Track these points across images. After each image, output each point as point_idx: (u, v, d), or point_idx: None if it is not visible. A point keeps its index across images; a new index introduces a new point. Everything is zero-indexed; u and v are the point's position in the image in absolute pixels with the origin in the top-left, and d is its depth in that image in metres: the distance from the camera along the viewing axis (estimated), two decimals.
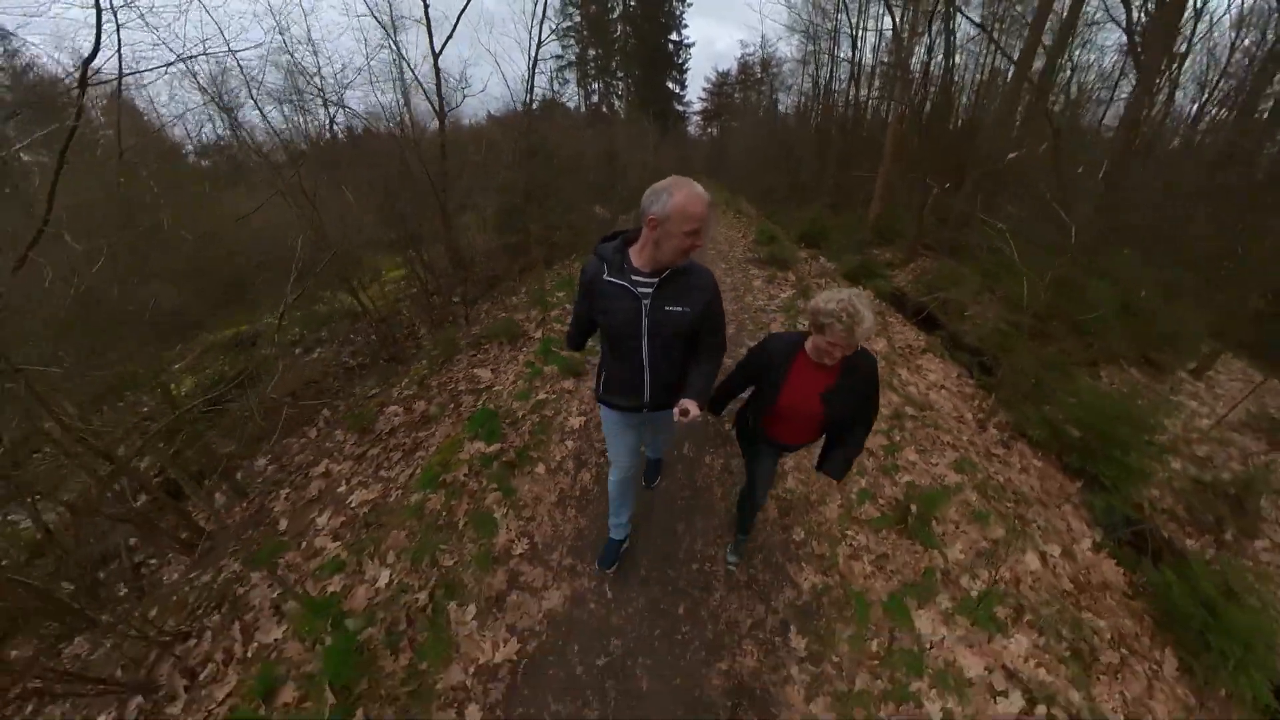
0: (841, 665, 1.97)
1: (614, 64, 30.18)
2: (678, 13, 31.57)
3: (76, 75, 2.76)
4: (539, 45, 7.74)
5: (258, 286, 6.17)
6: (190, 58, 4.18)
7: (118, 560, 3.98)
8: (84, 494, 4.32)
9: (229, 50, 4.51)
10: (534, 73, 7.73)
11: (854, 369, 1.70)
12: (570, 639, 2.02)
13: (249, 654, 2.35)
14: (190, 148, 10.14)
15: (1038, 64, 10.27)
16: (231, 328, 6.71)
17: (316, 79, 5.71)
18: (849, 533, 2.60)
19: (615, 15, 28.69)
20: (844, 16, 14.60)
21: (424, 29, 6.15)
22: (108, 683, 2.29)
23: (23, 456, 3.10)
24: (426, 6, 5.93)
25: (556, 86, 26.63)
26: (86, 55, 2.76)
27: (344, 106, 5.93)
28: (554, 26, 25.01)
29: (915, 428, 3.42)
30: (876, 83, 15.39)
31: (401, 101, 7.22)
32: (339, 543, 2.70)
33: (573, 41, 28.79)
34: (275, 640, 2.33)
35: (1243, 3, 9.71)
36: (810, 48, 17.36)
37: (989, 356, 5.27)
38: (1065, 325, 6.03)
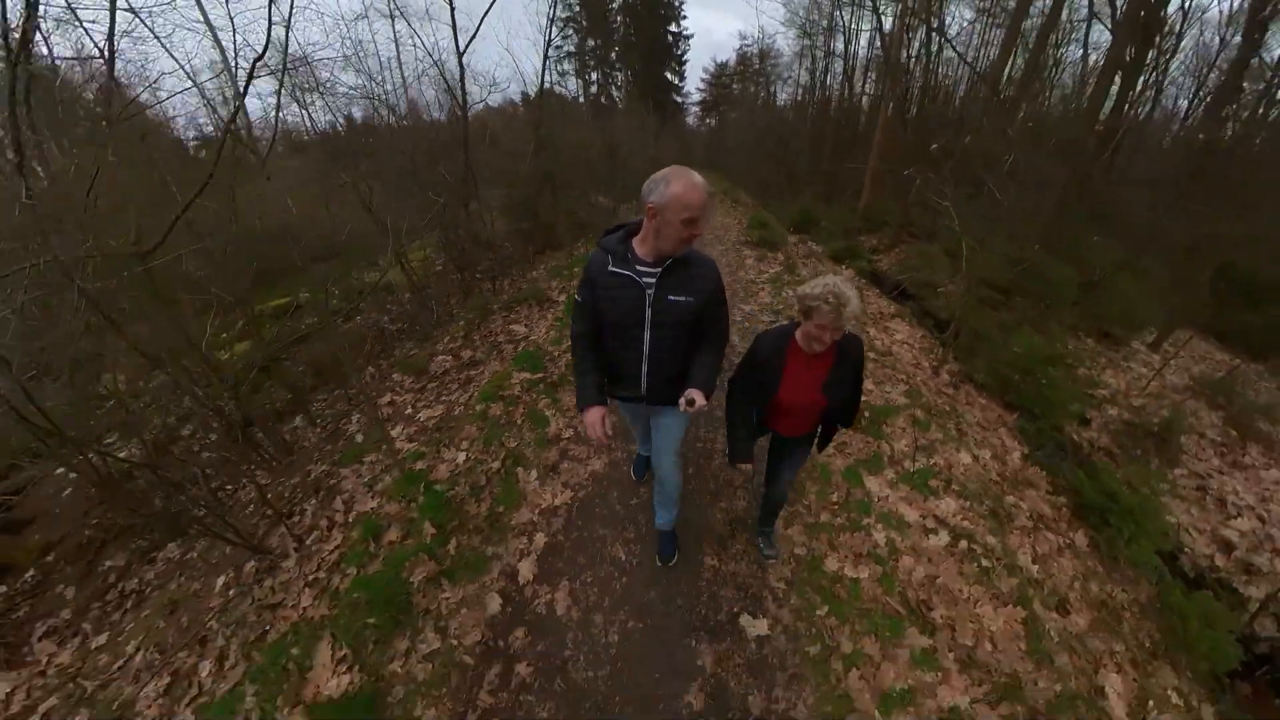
0: (810, 507, 2.68)
1: (613, 55, 30.65)
2: (677, 3, 32.06)
3: (243, 77, 3.34)
4: (548, 44, 8.37)
5: (298, 264, 6.80)
6: (287, 69, 4.78)
7: (195, 487, 4.65)
8: (167, 430, 4.98)
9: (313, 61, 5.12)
10: (545, 70, 8.36)
11: (846, 354, 1.77)
12: (610, 489, 2.73)
13: (350, 520, 3.03)
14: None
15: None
16: (275, 301, 7.36)
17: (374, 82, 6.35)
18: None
19: (615, 6, 29.10)
20: (839, 14, 15.21)
21: (450, 31, 6.78)
22: (233, 537, 2.88)
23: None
24: (453, 10, 6.55)
25: (556, 77, 27.12)
26: (255, 55, 3.34)
27: (389, 106, 6.56)
28: (553, 17, 25.61)
29: (876, 368, 4.13)
30: (872, 76, 16.04)
31: (435, 97, 7.85)
32: (415, 443, 3.37)
33: (571, 32, 29.23)
34: (372, 507, 3.00)
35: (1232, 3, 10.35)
36: (805, 43, 18.00)
37: (952, 322, 6.00)
38: (1029, 300, 6.77)
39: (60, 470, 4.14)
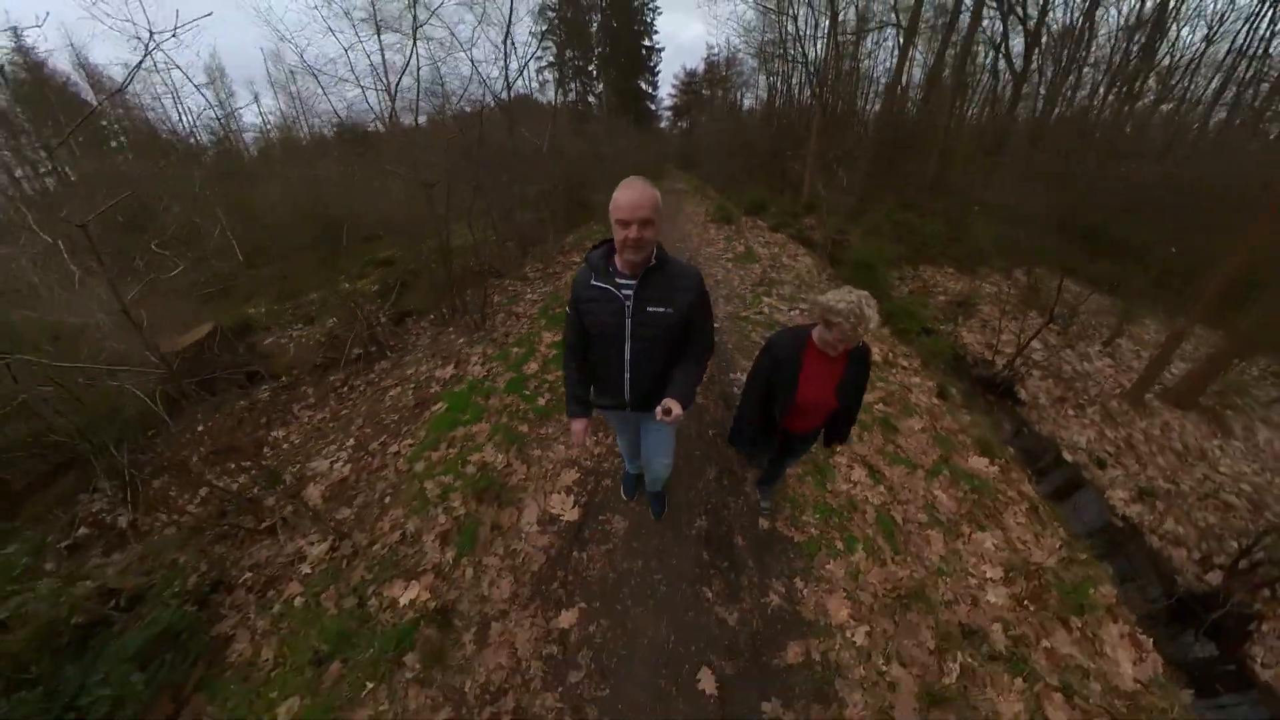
0: None
1: (591, 66, 33.51)
2: (649, 20, 35.11)
3: (387, 93, 6.23)
4: (559, 70, 11.21)
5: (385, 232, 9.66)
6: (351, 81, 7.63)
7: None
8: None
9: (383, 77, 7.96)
10: (566, 93, 11.24)
11: (859, 359, 1.88)
12: None
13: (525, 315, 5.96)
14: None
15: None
16: (376, 254, 10.27)
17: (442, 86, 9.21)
18: (765, 299, 6.37)
19: (594, 28, 31.99)
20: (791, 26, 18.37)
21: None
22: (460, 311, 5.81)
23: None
24: (509, 30, 9.44)
25: (537, 86, 29.86)
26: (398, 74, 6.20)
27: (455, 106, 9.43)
28: (533, 30, 28.53)
29: (778, 281, 7.20)
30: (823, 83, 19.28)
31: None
32: (538, 304, 6.32)
33: (551, 44, 32.00)
34: (527, 320, 5.92)
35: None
36: (762, 57, 21.13)
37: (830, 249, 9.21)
38: (910, 246, 10.01)
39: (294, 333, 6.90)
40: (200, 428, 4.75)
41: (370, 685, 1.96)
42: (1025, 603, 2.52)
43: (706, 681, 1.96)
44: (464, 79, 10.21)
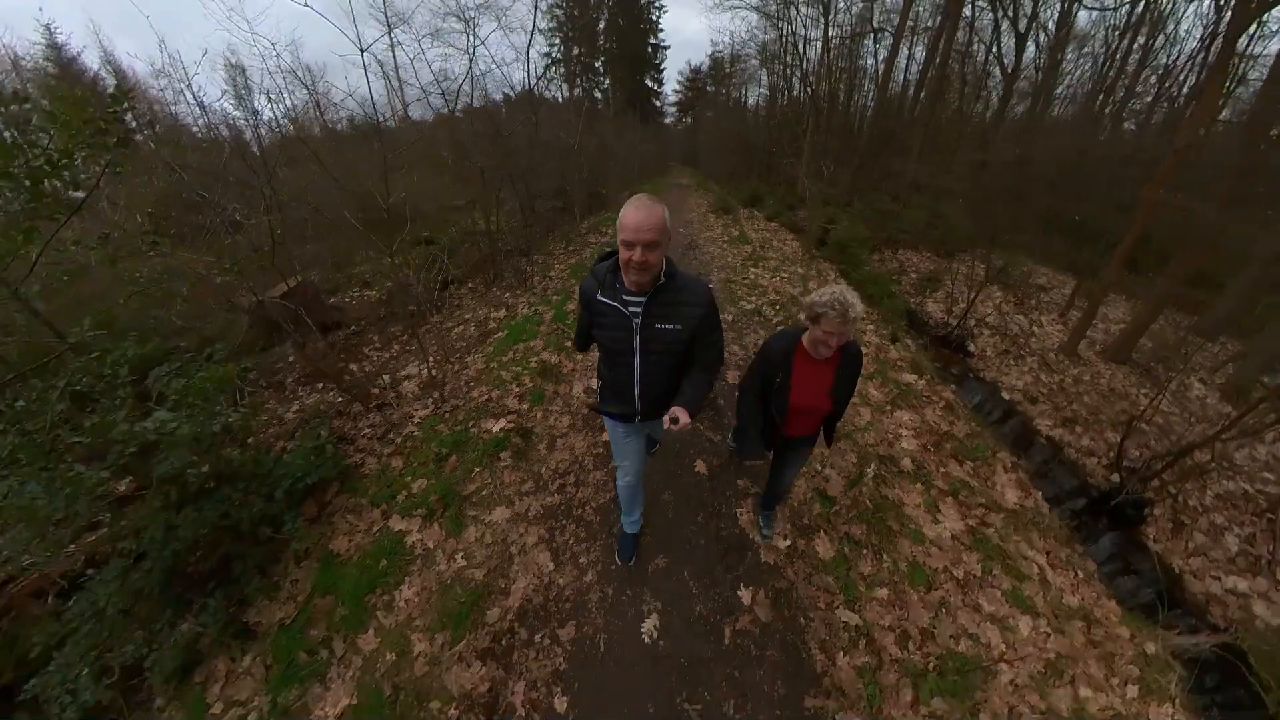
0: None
1: (597, 63, 34.62)
2: (655, 18, 36.20)
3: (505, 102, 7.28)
4: (576, 78, 12.24)
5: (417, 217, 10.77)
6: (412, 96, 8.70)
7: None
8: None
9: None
10: (572, 89, 12.28)
11: (850, 360, 1.90)
12: None
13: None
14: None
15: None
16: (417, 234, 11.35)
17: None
18: (752, 270, 7.39)
19: (601, 26, 33.05)
20: (788, 28, 19.40)
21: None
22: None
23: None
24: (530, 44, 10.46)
25: (545, 83, 30.95)
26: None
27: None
28: (541, 28, 29.71)
29: (765, 258, 8.22)
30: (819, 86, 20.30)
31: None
32: (567, 269, 7.36)
33: (558, 41, 33.10)
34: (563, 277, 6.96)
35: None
36: (764, 56, 22.17)
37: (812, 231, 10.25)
38: (890, 233, 11.05)
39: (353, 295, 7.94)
40: (290, 358, 5.80)
41: (477, 470, 3.00)
42: (929, 448, 3.55)
43: (700, 465, 3.00)
44: (479, 77, 11.24)
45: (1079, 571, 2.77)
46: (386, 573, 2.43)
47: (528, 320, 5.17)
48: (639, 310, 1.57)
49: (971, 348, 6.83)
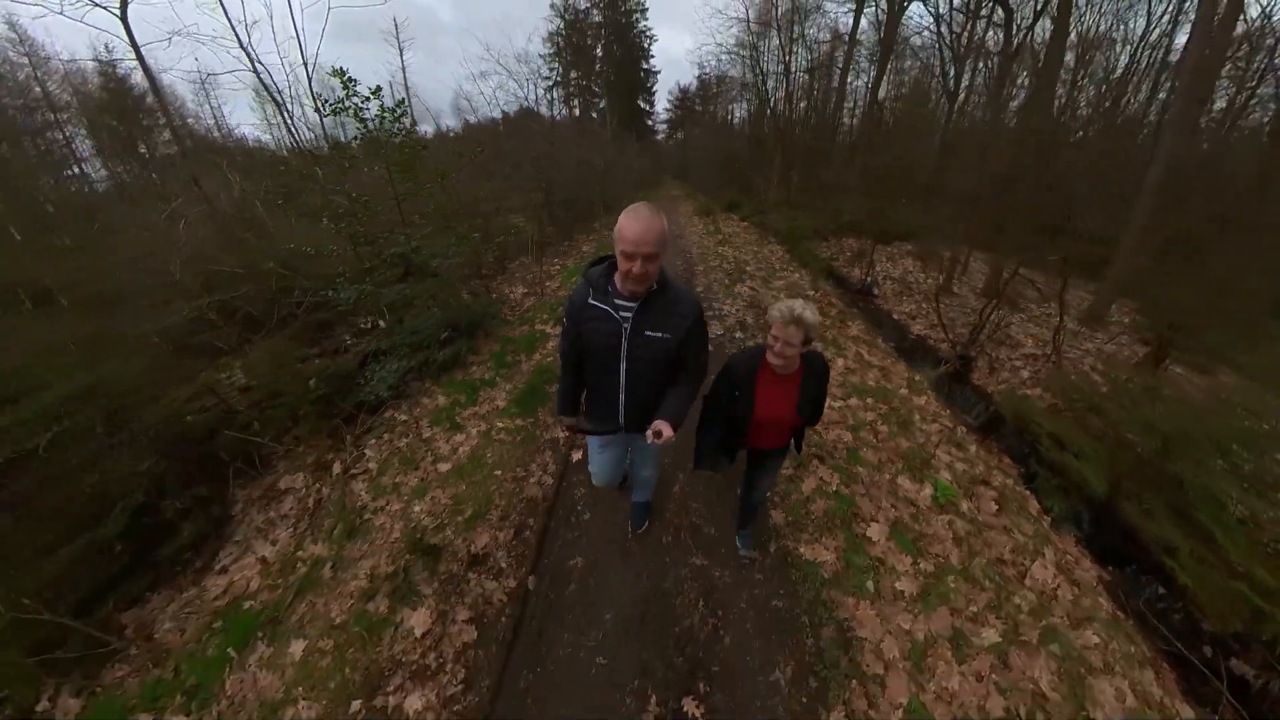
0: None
1: (593, 84, 38.06)
2: (646, 46, 39.82)
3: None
4: (572, 96, 15.34)
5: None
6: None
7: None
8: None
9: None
10: (571, 108, 15.39)
11: (812, 373, 1.94)
12: None
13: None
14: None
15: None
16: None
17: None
18: (720, 249, 10.38)
19: (598, 52, 36.61)
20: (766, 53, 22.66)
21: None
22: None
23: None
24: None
25: (545, 105, 34.29)
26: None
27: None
28: (543, 53, 33.33)
29: (731, 243, 11.20)
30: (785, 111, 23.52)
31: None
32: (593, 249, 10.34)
33: (558, 65, 36.52)
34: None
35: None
36: (742, 84, 25.45)
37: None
38: (838, 225, 14.07)
39: None
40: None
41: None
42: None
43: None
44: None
45: (926, 393, 5.56)
46: (534, 339, 5.43)
47: (577, 268, 8.20)
48: (629, 316, 1.62)
49: (877, 293, 9.79)
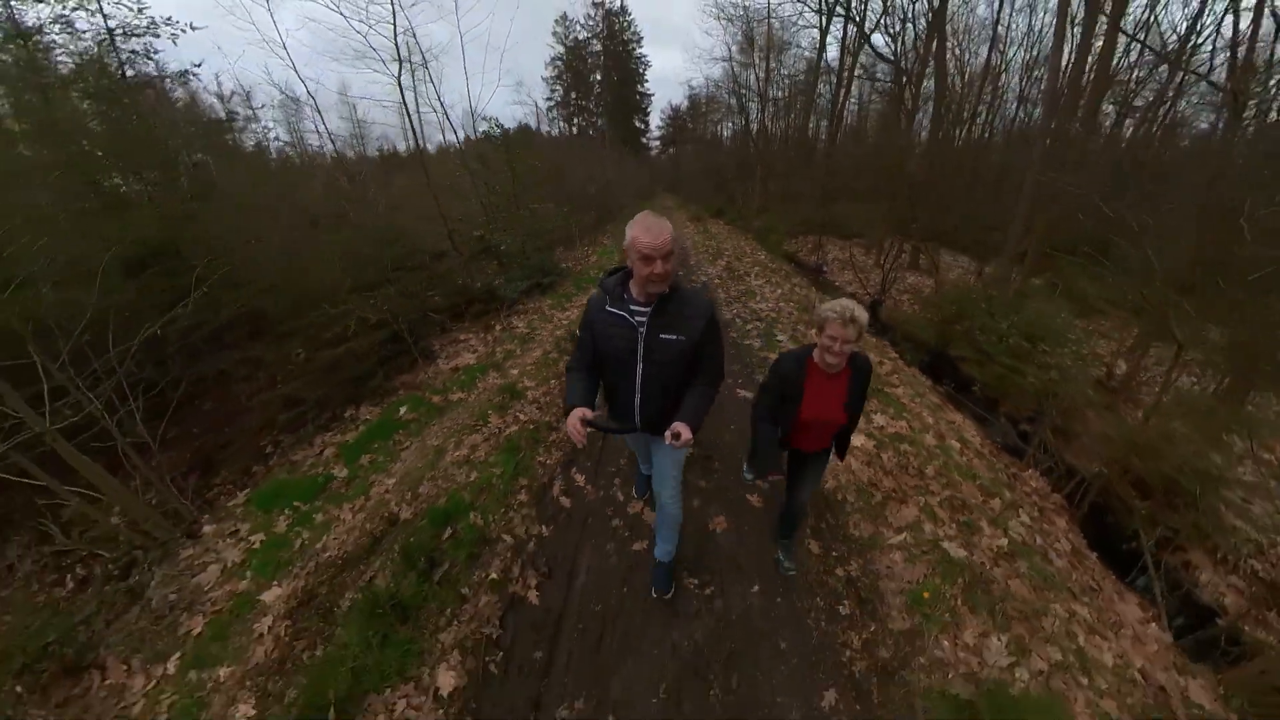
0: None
1: (591, 104, 41.47)
2: (641, 70, 43.47)
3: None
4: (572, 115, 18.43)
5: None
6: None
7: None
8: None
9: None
10: (571, 127, 18.50)
11: (859, 372, 1.97)
12: None
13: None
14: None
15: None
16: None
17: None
18: (707, 242, 13.40)
19: (597, 76, 40.18)
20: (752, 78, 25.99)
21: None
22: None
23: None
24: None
25: (546, 123, 37.54)
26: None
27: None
28: (545, 76, 36.86)
29: (714, 239, 14.23)
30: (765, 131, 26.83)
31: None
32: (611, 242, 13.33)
33: (559, 87, 39.93)
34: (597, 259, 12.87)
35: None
36: (729, 105, 28.83)
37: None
38: (807, 226, 17.19)
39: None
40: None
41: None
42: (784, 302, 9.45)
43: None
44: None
45: None
46: (583, 281, 8.47)
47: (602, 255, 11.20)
48: (644, 319, 1.69)
49: (826, 269, 12.84)
